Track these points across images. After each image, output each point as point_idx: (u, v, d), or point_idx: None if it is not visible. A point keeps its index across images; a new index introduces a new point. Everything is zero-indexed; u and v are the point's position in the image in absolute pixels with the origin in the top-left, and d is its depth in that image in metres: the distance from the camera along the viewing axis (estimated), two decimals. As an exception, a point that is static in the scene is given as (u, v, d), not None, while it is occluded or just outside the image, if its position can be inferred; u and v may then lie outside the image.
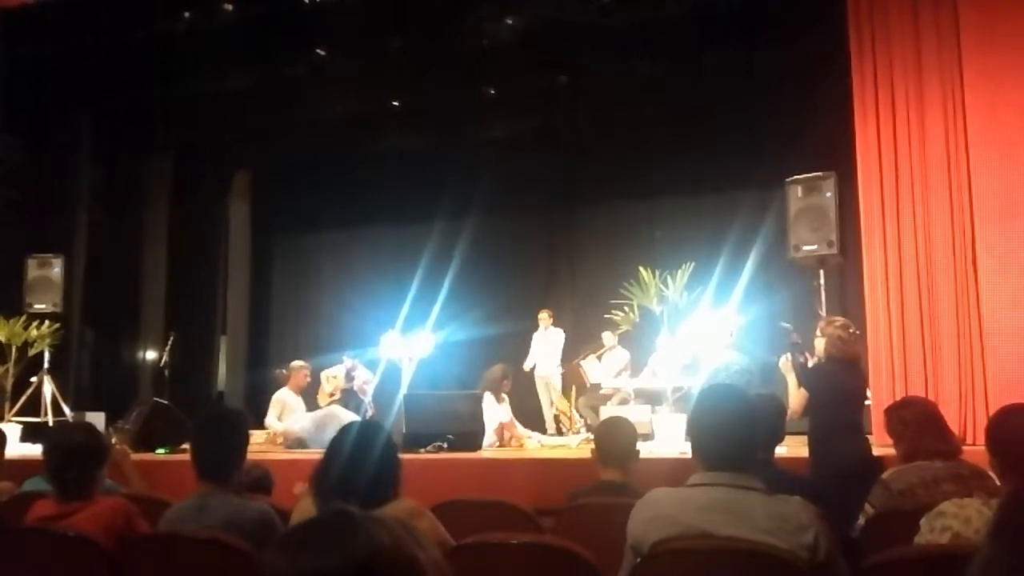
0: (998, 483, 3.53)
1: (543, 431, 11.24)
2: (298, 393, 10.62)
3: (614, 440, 4.63)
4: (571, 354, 11.88)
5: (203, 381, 14.79)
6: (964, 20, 7.88)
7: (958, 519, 3.06)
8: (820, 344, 6.10)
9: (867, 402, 7.79)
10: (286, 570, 1.29)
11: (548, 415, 11.88)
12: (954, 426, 6.60)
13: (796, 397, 6.09)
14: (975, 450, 4.45)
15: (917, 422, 4.35)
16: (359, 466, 3.21)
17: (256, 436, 10.63)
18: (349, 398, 11.08)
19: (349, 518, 1.35)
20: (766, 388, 6.93)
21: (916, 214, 7.99)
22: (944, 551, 2.93)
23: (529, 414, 11.22)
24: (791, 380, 6.28)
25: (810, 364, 6.32)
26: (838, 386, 5.91)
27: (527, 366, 12.17)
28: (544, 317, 12.35)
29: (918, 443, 4.26)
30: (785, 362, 6.41)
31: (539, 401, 12.17)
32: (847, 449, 5.70)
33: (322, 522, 1.37)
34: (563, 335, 12.23)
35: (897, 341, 7.98)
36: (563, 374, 11.89)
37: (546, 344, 12.14)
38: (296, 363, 10.87)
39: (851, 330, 6.12)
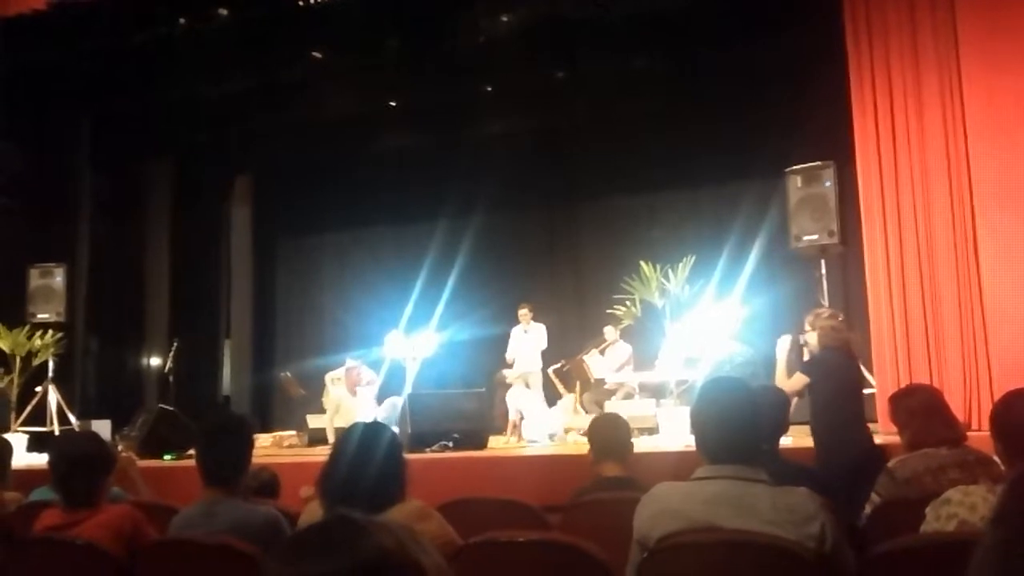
0: (1003, 469, 3.52)
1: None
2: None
3: (612, 434, 4.68)
4: (575, 349, 11.81)
5: (208, 386, 14.78)
6: (960, 7, 7.88)
7: (964, 506, 3.06)
8: (813, 338, 6.15)
9: (872, 391, 7.84)
10: None
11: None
12: (959, 413, 6.61)
13: (783, 380, 6.15)
14: (980, 436, 4.46)
15: (922, 410, 4.34)
16: (363, 468, 3.19)
17: (262, 440, 10.68)
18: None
19: (352, 523, 1.34)
20: (770, 379, 6.93)
21: (916, 201, 7.99)
22: (950, 539, 2.92)
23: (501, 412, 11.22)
24: (781, 361, 6.34)
25: (806, 357, 6.37)
26: (839, 376, 5.96)
27: (509, 358, 12.01)
28: (524, 313, 11.92)
29: (923, 431, 4.24)
30: (783, 342, 6.46)
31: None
32: (852, 439, 5.73)
33: (325, 527, 1.37)
34: (545, 331, 11.90)
35: (900, 329, 7.98)
36: (568, 370, 11.76)
37: (527, 341, 11.86)
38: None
39: (840, 318, 6.22)
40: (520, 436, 9.97)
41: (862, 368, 7.07)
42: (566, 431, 9.91)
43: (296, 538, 1.41)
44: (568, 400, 10.75)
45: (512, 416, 10.31)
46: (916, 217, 7.97)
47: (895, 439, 4.68)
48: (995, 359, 7.56)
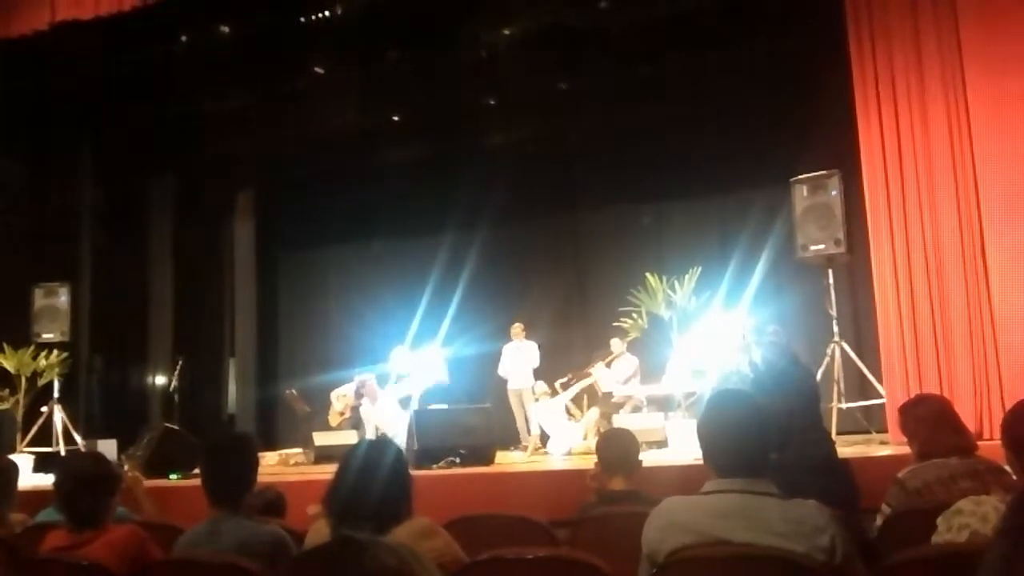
0: (1015, 478, 3.49)
1: (517, 444, 11.29)
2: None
3: (623, 449, 4.64)
4: (581, 362, 11.76)
5: (213, 404, 14.78)
6: (963, 12, 7.85)
7: (976, 517, 3.03)
8: (758, 353, 6.12)
9: (881, 400, 7.79)
10: None
11: (522, 429, 11.73)
12: (969, 422, 6.58)
13: None
14: (991, 445, 4.42)
15: (931, 419, 4.31)
16: (369, 485, 3.16)
17: (268, 458, 10.65)
18: (359, 416, 11.05)
19: (356, 543, 1.34)
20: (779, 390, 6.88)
21: (923, 209, 7.95)
22: (962, 550, 2.90)
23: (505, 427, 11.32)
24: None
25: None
26: (796, 387, 5.90)
27: (502, 373, 12.09)
28: (517, 330, 12.05)
29: (933, 440, 4.21)
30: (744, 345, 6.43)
31: (512, 415, 11.97)
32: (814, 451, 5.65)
33: (329, 548, 1.36)
34: (536, 348, 11.98)
35: (909, 337, 7.93)
36: (573, 383, 11.72)
37: (519, 358, 11.93)
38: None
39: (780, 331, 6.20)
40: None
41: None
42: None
43: (303, 559, 1.41)
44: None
45: (534, 430, 10.42)
46: (923, 224, 7.93)
47: (906, 450, 4.65)
48: (1005, 367, 7.50)
